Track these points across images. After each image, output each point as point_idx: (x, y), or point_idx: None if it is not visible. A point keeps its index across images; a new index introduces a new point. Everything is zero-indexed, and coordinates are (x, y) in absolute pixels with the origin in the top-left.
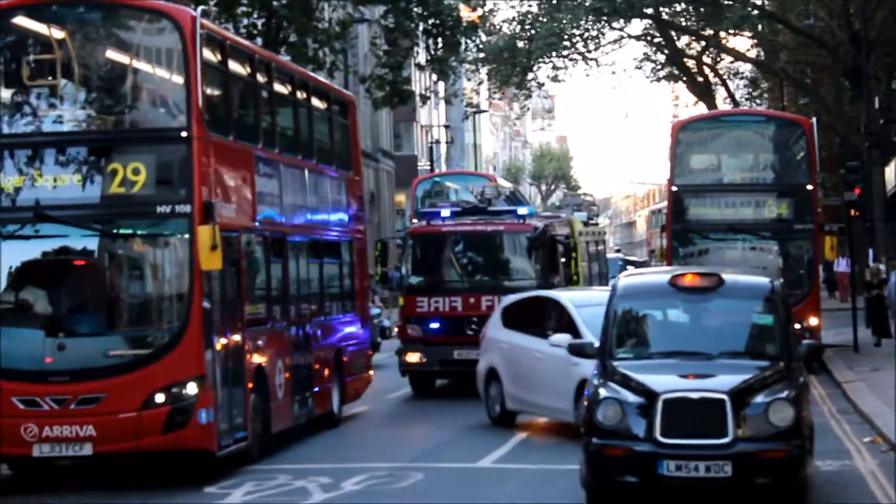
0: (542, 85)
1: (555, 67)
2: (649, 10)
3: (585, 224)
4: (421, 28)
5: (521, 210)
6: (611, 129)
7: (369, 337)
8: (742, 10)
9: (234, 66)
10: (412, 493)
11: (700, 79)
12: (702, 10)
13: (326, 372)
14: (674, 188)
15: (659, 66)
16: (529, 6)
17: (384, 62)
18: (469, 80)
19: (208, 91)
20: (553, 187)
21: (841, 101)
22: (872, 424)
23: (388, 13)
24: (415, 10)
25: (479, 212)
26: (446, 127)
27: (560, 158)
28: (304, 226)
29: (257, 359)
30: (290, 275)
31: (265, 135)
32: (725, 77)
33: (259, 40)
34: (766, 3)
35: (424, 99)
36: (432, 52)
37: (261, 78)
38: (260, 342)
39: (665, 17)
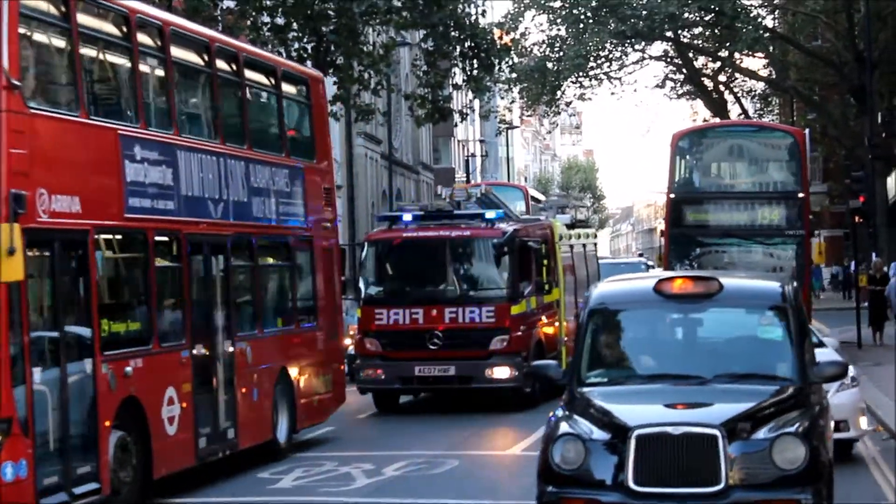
0: (570, 103)
1: (581, 87)
2: (669, 34)
3: (570, 227)
4: (458, 50)
5: (490, 214)
6: (634, 142)
7: (341, 351)
8: (754, 33)
9: (88, 23)
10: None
11: (716, 96)
12: (717, 32)
13: (262, 396)
14: (672, 195)
15: (678, 85)
16: (558, 30)
17: (424, 82)
18: (502, 98)
19: (36, 54)
20: (580, 197)
21: (846, 117)
22: (874, 414)
23: (427, 37)
24: (452, 33)
25: (444, 216)
26: (481, 142)
27: (587, 170)
28: (221, 223)
29: (126, 390)
30: (194, 283)
31: (146, 113)
32: (739, 94)
33: (309, 63)
34: (777, 26)
35: (463, 115)
36: (468, 73)
37: (146, 41)
38: (130, 368)
39: (683, 39)
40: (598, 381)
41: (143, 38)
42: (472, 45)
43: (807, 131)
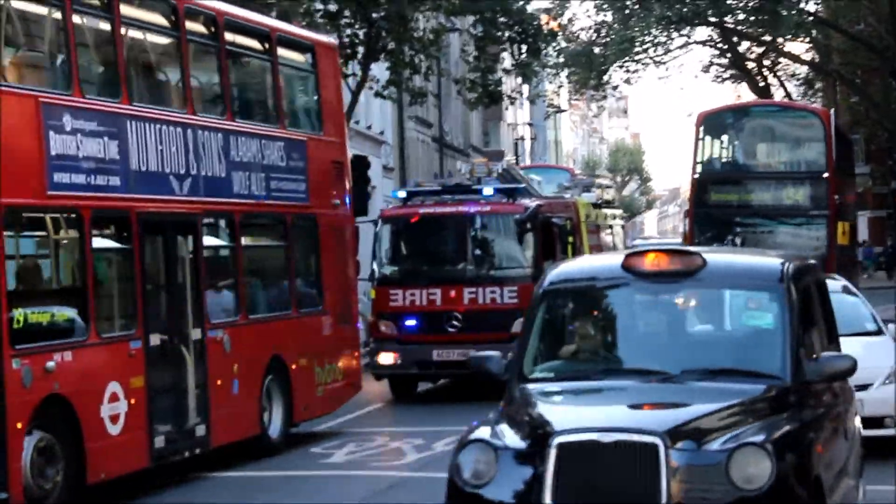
0: (617, 87)
1: (627, 71)
2: (713, 19)
3: (596, 206)
4: (506, 35)
5: (511, 189)
6: (680, 125)
7: (357, 336)
8: (797, 18)
9: None
10: None
11: (760, 80)
12: (761, 17)
13: (245, 388)
14: (696, 175)
15: (722, 69)
16: (605, 16)
17: (474, 67)
18: (551, 82)
19: None
20: (627, 179)
21: (889, 100)
22: None
23: (476, 23)
24: (500, 19)
25: (463, 191)
26: (530, 125)
27: (633, 153)
28: (188, 201)
29: (48, 387)
30: (148, 266)
31: (83, 80)
32: (783, 78)
33: (361, 49)
34: (820, 10)
35: (512, 100)
36: (516, 58)
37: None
38: (54, 363)
39: (727, 24)
40: (543, 376)
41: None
42: (520, 30)
43: (832, 111)
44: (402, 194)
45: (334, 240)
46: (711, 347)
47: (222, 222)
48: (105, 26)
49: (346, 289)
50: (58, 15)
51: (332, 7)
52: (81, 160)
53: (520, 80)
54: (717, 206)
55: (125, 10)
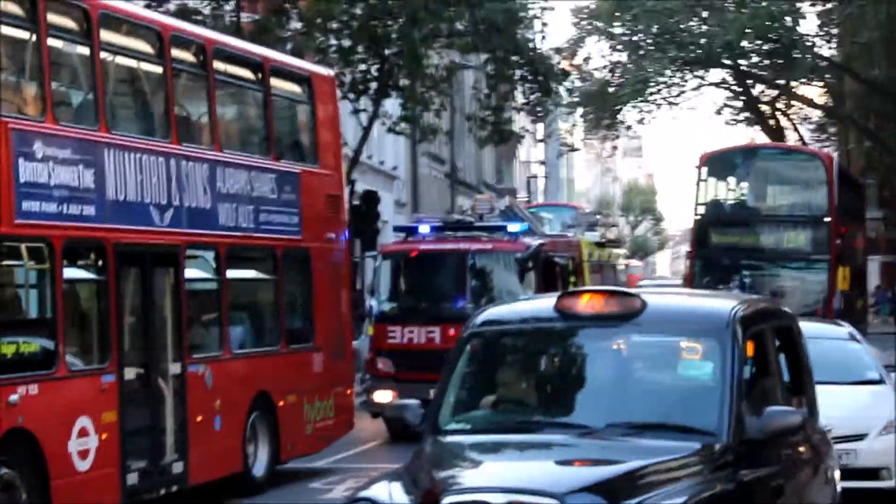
0: (630, 127)
1: (641, 111)
2: (727, 61)
3: (599, 245)
4: (517, 74)
5: (513, 227)
6: (694, 166)
7: (351, 372)
8: (811, 62)
9: None
10: None
11: (773, 123)
12: (775, 61)
13: (228, 424)
14: (697, 216)
15: (736, 112)
16: (619, 56)
17: (485, 105)
18: (564, 121)
19: None
20: (641, 219)
21: None
22: None
23: (487, 61)
24: (512, 58)
25: (464, 227)
26: (541, 163)
27: (647, 193)
28: (169, 232)
29: (11, 420)
30: (125, 298)
31: (57, 106)
32: (796, 122)
33: (374, 84)
34: (834, 55)
35: (519, 138)
36: (527, 97)
37: (64, 22)
38: (17, 396)
39: (741, 67)
40: (459, 428)
41: (57, 18)
42: (531, 69)
43: (835, 155)
44: (425, 229)
45: (328, 274)
46: (642, 400)
47: (206, 254)
48: (83, 52)
49: (340, 324)
50: (33, 39)
51: (346, 43)
52: (53, 188)
53: (531, 118)
54: (718, 248)
55: (106, 35)
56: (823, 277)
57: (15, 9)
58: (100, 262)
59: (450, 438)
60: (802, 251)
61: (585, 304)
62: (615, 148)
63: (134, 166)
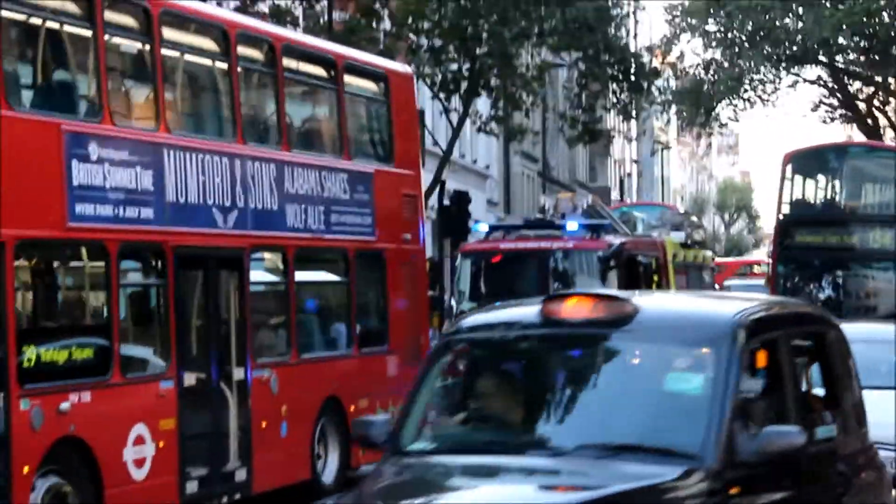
0: (725, 125)
1: (735, 108)
2: (823, 58)
3: (684, 246)
4: (608, 73)
5: (596, 225)
6: (779, 165)
7: None
8: None
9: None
10: None
11: (870, 120)
12: (871, 57)
13: (296, 430)
14: (781, 216)
15: (832, 109)
16: (713, 53)
17: (576, 104)
18: (657, 119)
19: None
20: (736, 217)
21: None
22: None
23: (578, 60)
24: (603, 57)
25: (545, 226)
26: (635, 161)
27: (743, 191)
28: (234, 234)
29: (61, 429)
30: (184, 302)
31: (114, 107)
32: (894, 119)
33: (464, 84)
34: None
35: (610, 137)
36: (618, 96)
37: (120, 18)
38: (69, 403)
39: (837, 64)
40: (422, 448)
41: (116, 16)
42: (622, 68)
43: None
44: (484, 228)
45: (404, 275)
46: (622, 417)
47: (273, 257)
48: (143, 50)
49: (417, 326)
50: (90, 37)
51: (436, 43)
52: (108, 191)
53: (621, 117)
54: (802, 249)
55: (168, 33)
56: None
57: (72, 7)
58: (158, 266)
59: (410, 460)
60: (886, 251)
61: (571, 309)
62: (710, 146)
63: (195, 167)
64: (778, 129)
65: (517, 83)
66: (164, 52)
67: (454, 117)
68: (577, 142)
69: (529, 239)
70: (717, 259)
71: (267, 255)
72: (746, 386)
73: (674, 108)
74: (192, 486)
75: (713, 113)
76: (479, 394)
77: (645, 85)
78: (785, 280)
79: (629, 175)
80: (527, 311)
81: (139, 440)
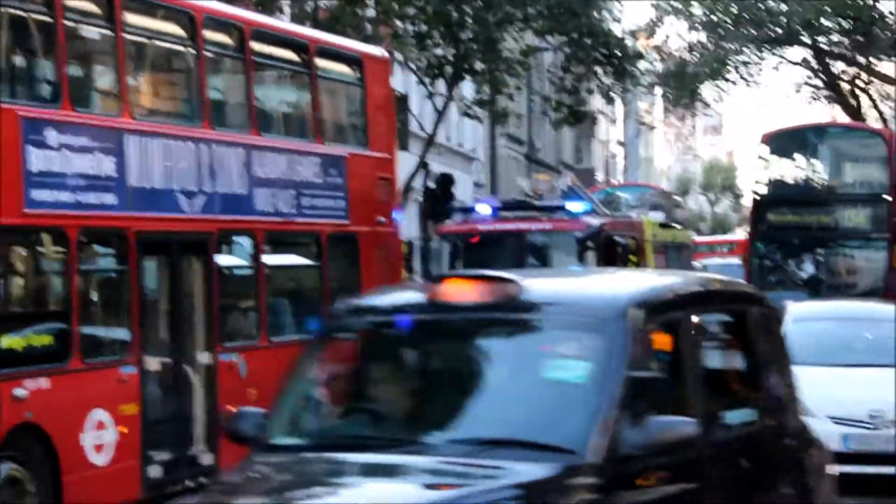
0: (709, 105)
1: (719, 90)
2: (806, 40)
3: (663, 226)
4: (591, 57)
5: (574, 206)
6: (756, 145)
7: None
8: (890, 40)
9: None
10: None
11: (853, 101)
12: (855, 38)
13: None
14: (756, 196)
15: (815, 90)
16: (698, 36)
17: (560, 87)
18: (642, 101)
19: None
20: (720, 197)
21: None
22: None
23: (563, 44)
24: (586, 41)
25: (524, 207)
26: (621, 143)
27: (727, 170)
28: (199, 219)
29: (17, 415)
30: (147, 288)
31: (74, 93)
32: (877, 100)
33: (449, 69)
34: None
35: (594, 119)
36: (601, 80)
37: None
38: (25, 390)
39: (821, 45)
40: (290, 444)
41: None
42: (606, 52)
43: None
44: (486, 209)
45: (379, 258)
46: (499, 410)
47: (242, 241)
48: (105, 34)
49: None
50: (48, 20)
51: (422, 28)
52: (67, 177)
53: (605, 100)
54: (777, 228)
55: (131, 18)
56: (882, 256)
57: None
58: (120, 251)
59: (272, 457)
60: (862, 230)
61: (454, 292)
62: (694, 127)
63: (160, 153)
64: (762, 110)
65: (501, 67)
66: (127, 36)
67: (439, 101)
68: (562, 124)
69: (507, 220)
70: (697, 238)
71: (235, 239)
72: (643, 372)
73: (658, 90)
74: (155, 471)
75: (697, 94)
76: (358, 384)
77: (628, 68)
78: (761, 259)
79: (614, 156)
80: (412, 294)
81: (100, 426)
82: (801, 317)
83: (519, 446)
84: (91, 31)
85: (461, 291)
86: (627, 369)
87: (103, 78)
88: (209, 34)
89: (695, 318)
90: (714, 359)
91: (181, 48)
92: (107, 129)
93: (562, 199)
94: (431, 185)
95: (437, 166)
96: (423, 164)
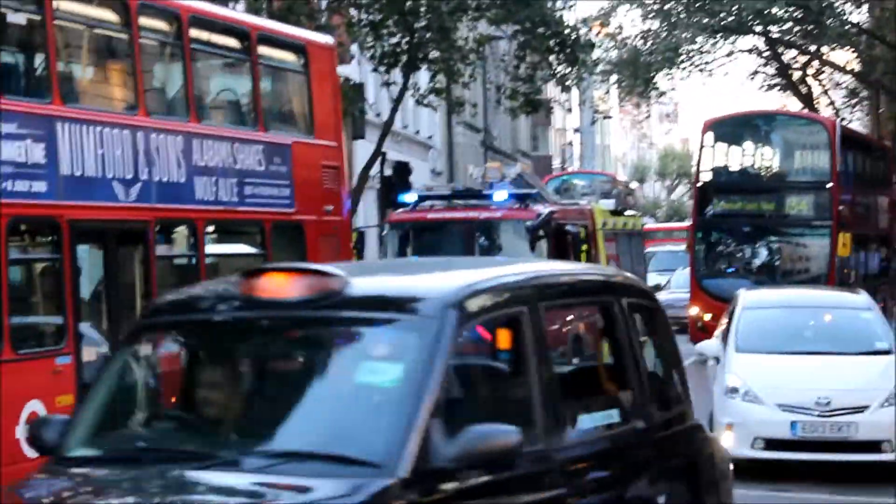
0: (663, 94)
1: (672, 78)
2: (757, 28)
3: (614, 213)
4: (544, 46)
5: (523, 195)
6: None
7: None
8: (840, 28)
9: None
10: None
11: (804, 89)
12: (805, 27)
13: None
14: (699, 183)
15: (768, 78)
16: (651, 24)
17: (514, 75)
18: (597, 89)
19: None
20: (676, 183)
21: None
22: None
23: (516, 33)
24: (538, 30)
25: (473, 196)
26: (576, 131)
27: (682, 158)
28: (136, 207)
29: None
30: (84, 277)
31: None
32: (828, 88)
33: (404, 57)
34: (864, 21)
35: (548, 109)
36: (554, 68)
37: None
38: None
39: (772, 34)
40: (86, 455)
41: None
42: (558, 41)
43: (838, 120)
44: (413, 198)
45: (325, 247)
46: (304, 419)
47: (181, 230)
48: (34, 21)
49: None
50: None
51: (376, 17)
52: None
53: (559, 88)
54: (721, 216)
55: (61, 3)
56: (826, 243)
57: None
58: (52, 240)
59: (61, 470)
60: (805, 217)
61: (269, 286)
62: (648, 116)
63: (93, 140)
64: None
65: (455, 56)
66: (58, 22)
67: (394, 90)
68: (517, 113)
69: (457, 209)
70: (652, 225)
71: (174, 228)
72: (468, 373)
73: (613, 78)
74: None
75: (651, 82)
76: (163, 388)
77: (581, 57)
78: (705, 247)
79: (570, 144)
80: (226, 289)
81: (34, 417)
82: (751, 305)
83: (322, 460)
84: (20, 17)
85: (277, 286)
86: (445, 372)
87: (34, 65)
88: (145, 20)
89: (541, 313)
90: (571, 356)
91: (115, 34)
92: (37, 116)
93: (512, 187)
94: (388, 172)
95: (395, 154)
96: (379, 153)
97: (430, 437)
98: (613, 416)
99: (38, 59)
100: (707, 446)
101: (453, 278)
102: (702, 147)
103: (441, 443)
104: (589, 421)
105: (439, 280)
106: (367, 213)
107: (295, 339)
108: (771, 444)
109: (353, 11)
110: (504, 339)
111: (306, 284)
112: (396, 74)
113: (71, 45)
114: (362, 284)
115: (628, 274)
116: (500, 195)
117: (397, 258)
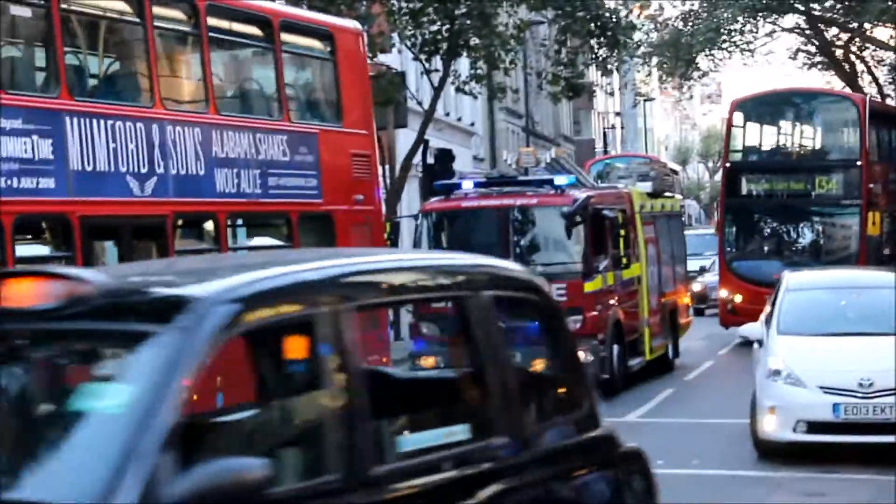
0: (706, 74)
1: (714, 59)
2: (800, 6)
3: (652, 196)
4: (585, 29)
5: (560, 179)
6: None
7: (387, 342)
8: (882, 4)
9: None
10: None
11: (847, 67)
12: (847, 4)
13: (229, 400)
14: (728, 163)
15: (811, 56)
16: (692, 5)
17: (555, 60)
18: (638, 71)
19: None
20: (719, 165)
21: None
22: None
23: (557, 17)
24: (579, 13)
25: (508, 183)
26: (617, 114)
27: None
28: (151, 202)
29: None
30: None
31: (8, 72)
32: (871, 65)
33: (444, 45)
34: None
35: (591, 93)
36: (595, 52)
37: None
38: None
39: (814, 11)
40: None
41: None
42: (599, 24)
43: (868, 98)
44: (469, 185)
45: (356, 237)
46: (22, 458)
47: (202, 224)
48: (39, 11)
49: None
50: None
51: (416, 5)
52: (1, 161)
53: (600, 72)
54: (750, 196)
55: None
56: (856, 222)
57: None
58: (62, 237)
59: None
60: (834, 196)
61: (11, 294)
62: (690, 97)
63: (105, 134)
64: (759, 77)
65: (495, 43)
66: (66, 13)
67: (436, 78)
68: (559, 97)
69: (492, 196)
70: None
71: (194, 222)
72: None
73: (654, 60)
74: None
75: (693, 63)
76: None
77: (622, 40)
78: (734, 227)
79: (612, 127)
80: None
81: None
82: (794, 286)
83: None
84: (23, 9)
85: (17, 294)
86: (185, 394)
87: (41, 57)
88: (159, 9)
89: (346, 316)
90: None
91: (129, 25)
92: (44, 111)
93: (546, 173)
94: (431, 160)
95: (437, 141)
96: (422, 140)
97: (157, 474)
98: (459, 432)
99: (43, 52)
100: (614, 458)
101: (226, 279)
102: (730, 127)
103: (172, 480)
104: (417, 441)
105: (208, 281)
106: (409, 201)
107: (25, 359)
108: (813, 426)
109: (392, 0)
110: (296, 348)
111: (52, 291)
112: (437, 62)
113: (79, 36)
114: (114, 289)
115: (504, 263)
116: (560, 180)
117: (431, 247)
